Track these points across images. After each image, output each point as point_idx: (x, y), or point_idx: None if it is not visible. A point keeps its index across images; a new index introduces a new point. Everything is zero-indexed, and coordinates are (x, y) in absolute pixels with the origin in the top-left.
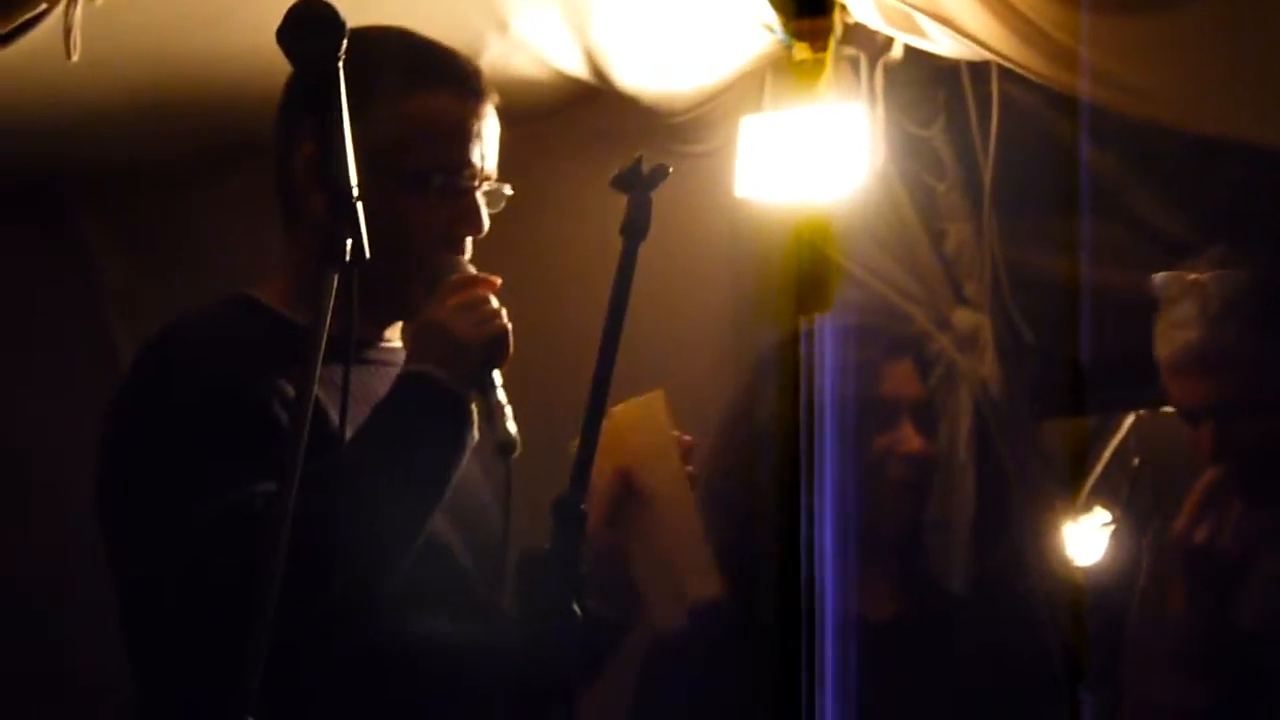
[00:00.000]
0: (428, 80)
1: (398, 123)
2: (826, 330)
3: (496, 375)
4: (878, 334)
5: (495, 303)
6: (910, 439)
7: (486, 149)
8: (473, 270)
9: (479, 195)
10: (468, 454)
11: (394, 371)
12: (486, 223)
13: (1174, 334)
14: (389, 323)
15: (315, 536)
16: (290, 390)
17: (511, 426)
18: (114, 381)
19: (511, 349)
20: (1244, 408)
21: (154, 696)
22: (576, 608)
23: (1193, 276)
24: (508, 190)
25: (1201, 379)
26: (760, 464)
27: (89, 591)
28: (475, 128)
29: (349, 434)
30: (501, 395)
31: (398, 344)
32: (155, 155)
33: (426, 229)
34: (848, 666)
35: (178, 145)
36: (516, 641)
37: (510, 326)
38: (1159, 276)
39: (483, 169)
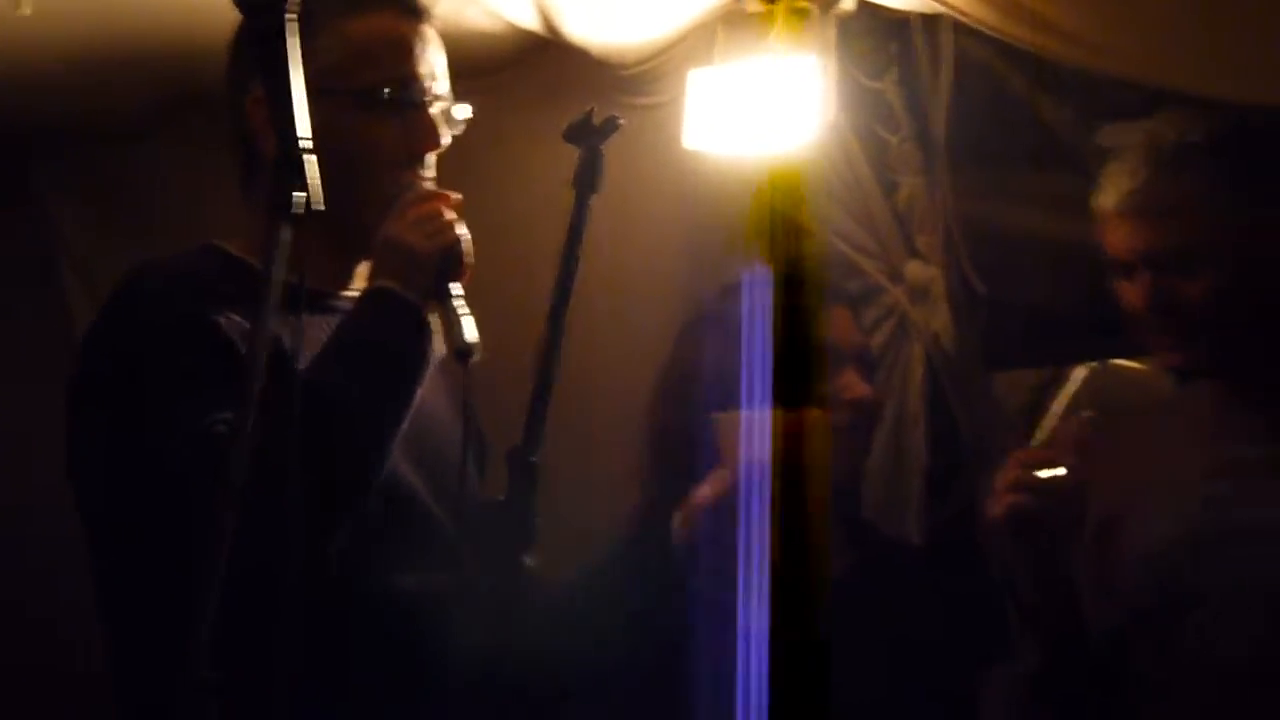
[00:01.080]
0: (368, 2)
1: (342, 45)
2: (767, 278)
3: (456, 287)
4: (807, 279)
5: (451, 215)
6: (854, 385)
7: (435, 67)
8: (431, 187)
9: (433, 111)
10: (429, 368)
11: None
12: (446, 138)
13: (1122, 179)
14: (357, 259)
15: (278, 460)
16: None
17: (470, 333)
18: (68, 342)
19: (469, 259)
20: (1187, 257)
21: (123, 648)
22: (527, 560)
23: (1145, 123)
24: (465, 111)
25: (1148, 224)
26: (702, 416)
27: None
28: (419, 44)
29: None
30: (460, 305)
31: (354, 293)
32: (107, 108)
33: (381, 148)
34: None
35: (129, 97)
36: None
37: (467, 235)
38: (1109, 127)
39: (433, 86)
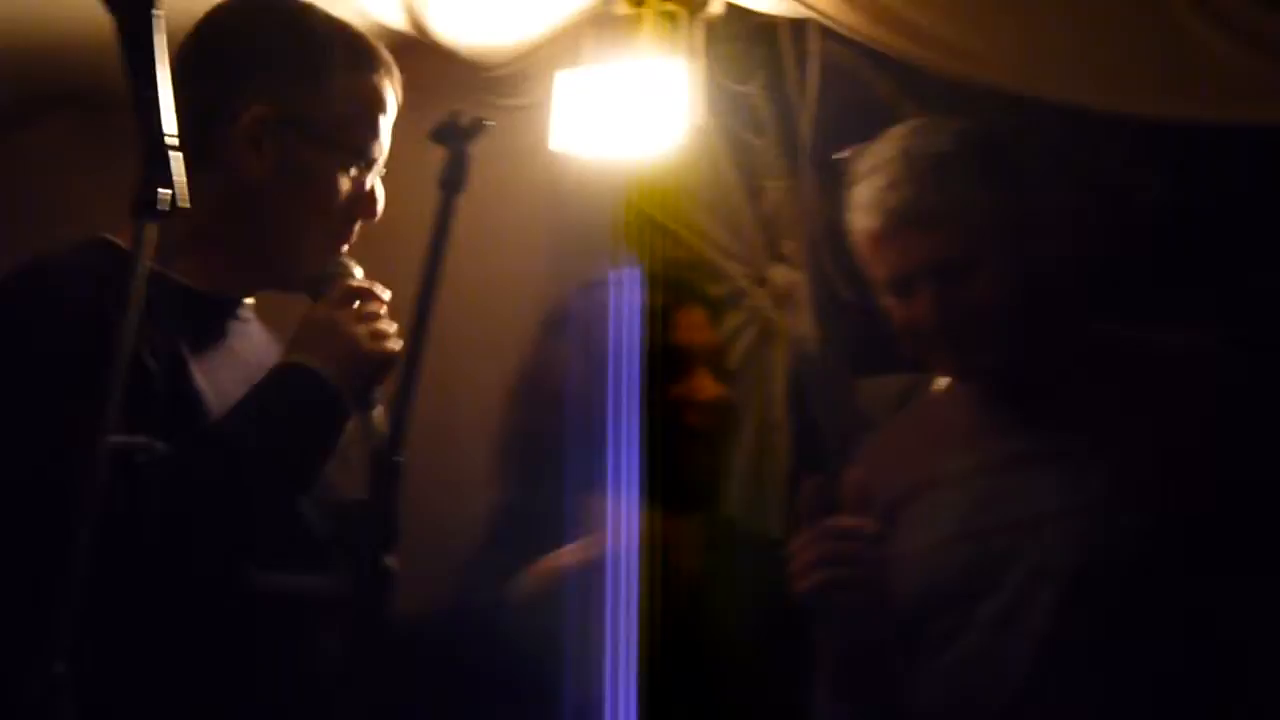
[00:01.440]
0: (370, 64)
1: (348, 99)
2: (629, 279)
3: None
4: (669, 282)
5: (390, 322)
6: (706, 386)
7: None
8: (362, 275)
9: (377, 178)
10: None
11: (253, 330)
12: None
13: (885, 196)
14: (261, 287)
15: (180, 506)
16: (157, 339)
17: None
18: None
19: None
20: (963, 263)
21: None
22: (389, 562)
23: (893, 138)
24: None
25: (921, 236)
26: (558, 417)
27: None
28: (390, 112)
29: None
30: (379, 414)
31: (250, 303)
32: None
33: (335, 202)
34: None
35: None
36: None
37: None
38: (848, 151)
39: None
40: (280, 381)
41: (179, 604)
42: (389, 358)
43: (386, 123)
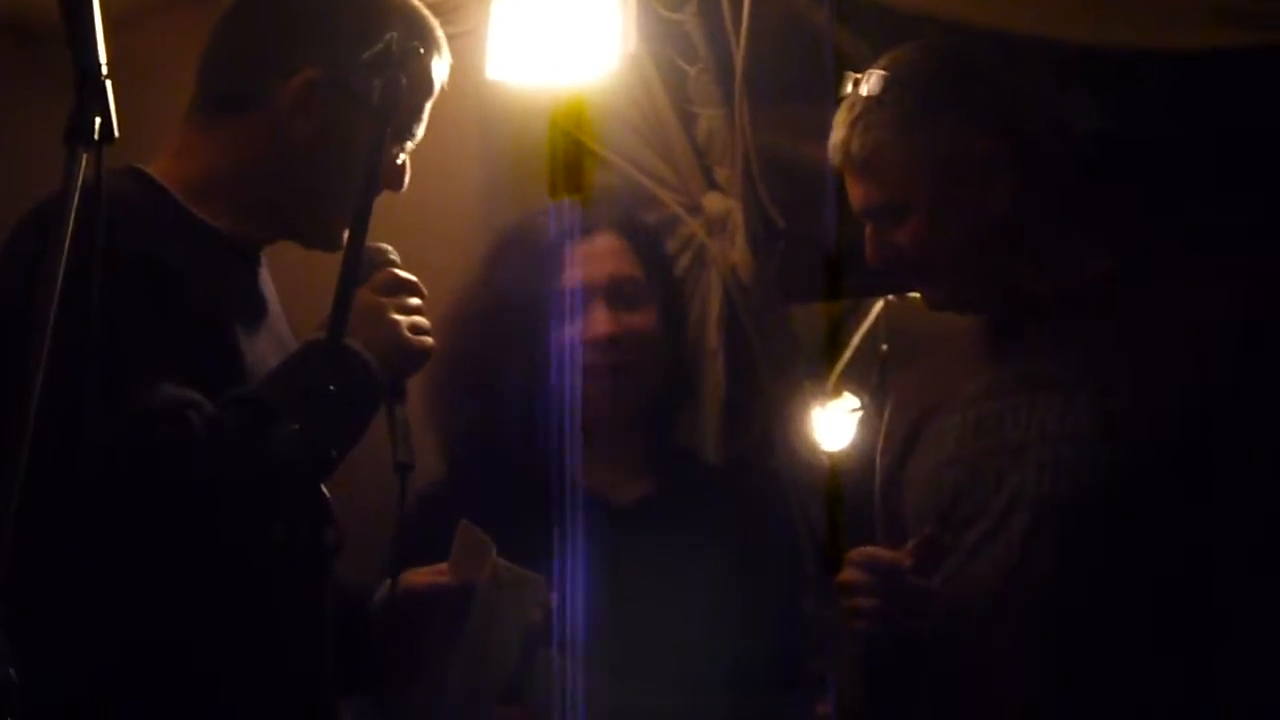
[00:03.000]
0: (433, 45)
1: (414, 83)
2: (563, 208)
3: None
4: (543, 218)
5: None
6: (597, 322)
7: None
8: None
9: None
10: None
11: (268, 279)
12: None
13: (831, 140)
14: (278, 238)
15: (226, 472)
16: (197, 283)
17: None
18: None
19: None
20: (892, 206)
21: None
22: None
23: (849, 79)
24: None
25: (855, 180)
26: (497, 344)
27: None
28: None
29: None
30: (405, 412)
31: None
32: None
33: (376, 176)
34: (594, 551)
35: None
36: None
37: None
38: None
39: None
40: (326, 361)
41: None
42: (426, 352)
43: (429, 104)
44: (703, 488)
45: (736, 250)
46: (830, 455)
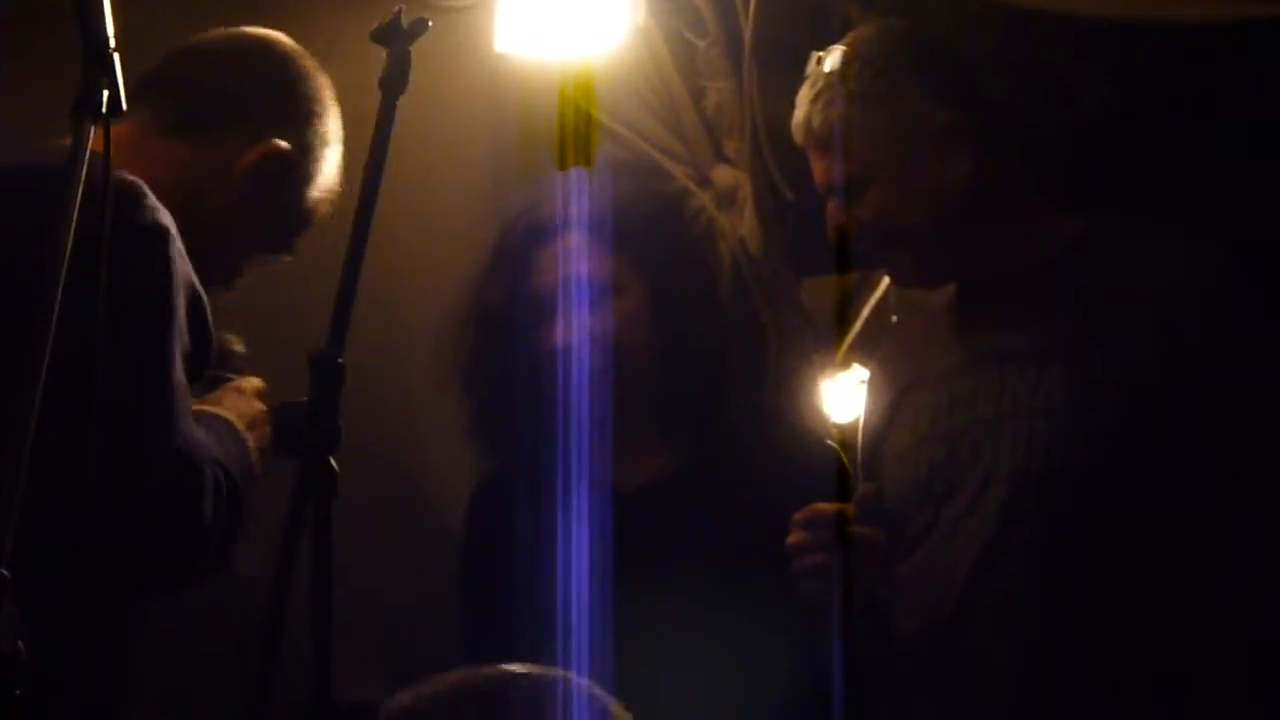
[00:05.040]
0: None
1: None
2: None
3: None
4: (520, 220)
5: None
6: (553, 334)
7: None
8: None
9: None
10: None
11: None
12: None
13: (795, 117)
14: None
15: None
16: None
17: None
18: None
19: None
20: (856, 182)
21: None
22: (331, 462)
23: (813, 58)
24: None
25: (816, 157)
26: (512, 329)
27: None
28: None
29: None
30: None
31: None
32: None
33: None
34: (601, 538)
35: None
36: None
37: None
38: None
39: None
40: (236, 434)
41: None
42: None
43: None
44: (718, 465)
45: (745, 223)
46: (839, 427)
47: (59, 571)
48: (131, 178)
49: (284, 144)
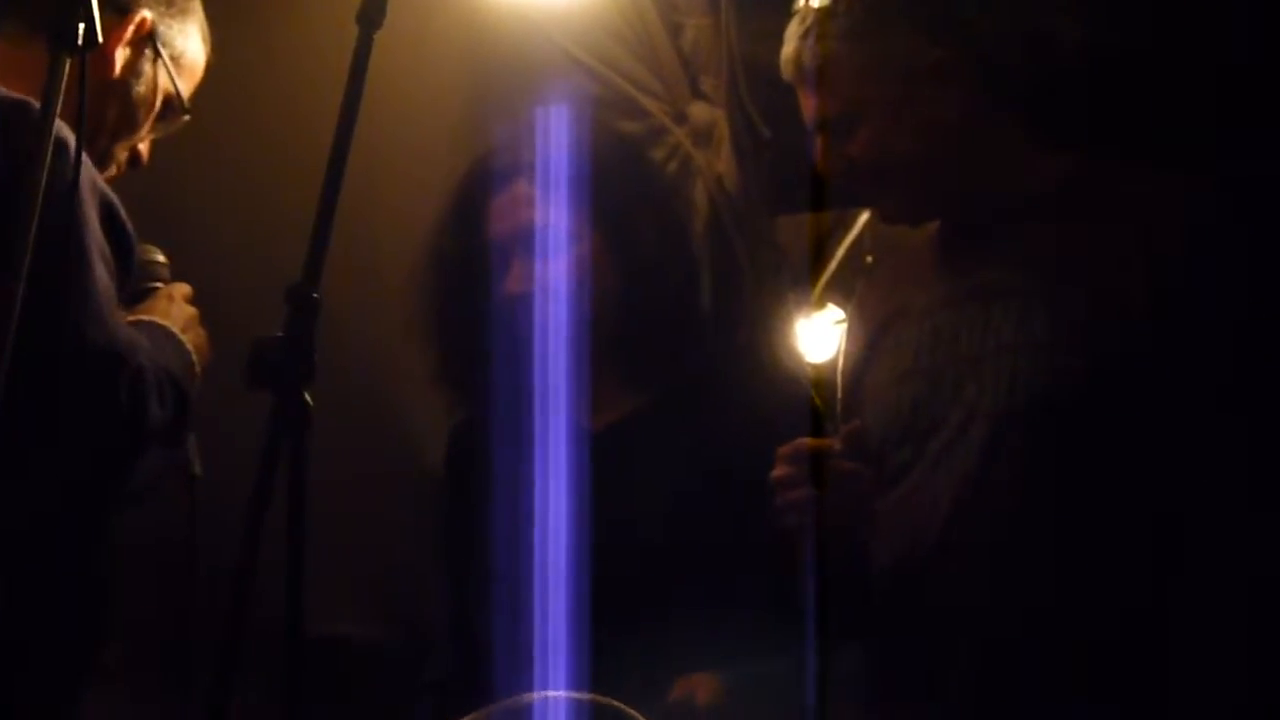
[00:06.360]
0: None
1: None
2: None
3: None
4: (478, 166)
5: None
6: (513, 280)
7: None
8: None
9: None
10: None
11: None
12: None
13: (784, 52)
14: None
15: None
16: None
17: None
18: None
19: None
20: (847, 118)
21: None
22: (308, 396)
23: None
24: None
25: (807, 92)
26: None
27: None
28: None
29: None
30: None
31: None
32: None
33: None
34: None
35: None
36: None
37: None
38: None
39: None
40: (172, 337)
41: None
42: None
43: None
44: (689, 403)
45: (722, 160)
46: (815, 365)
47: (19, 495)
48: (16, 97)
49: (147, 14)
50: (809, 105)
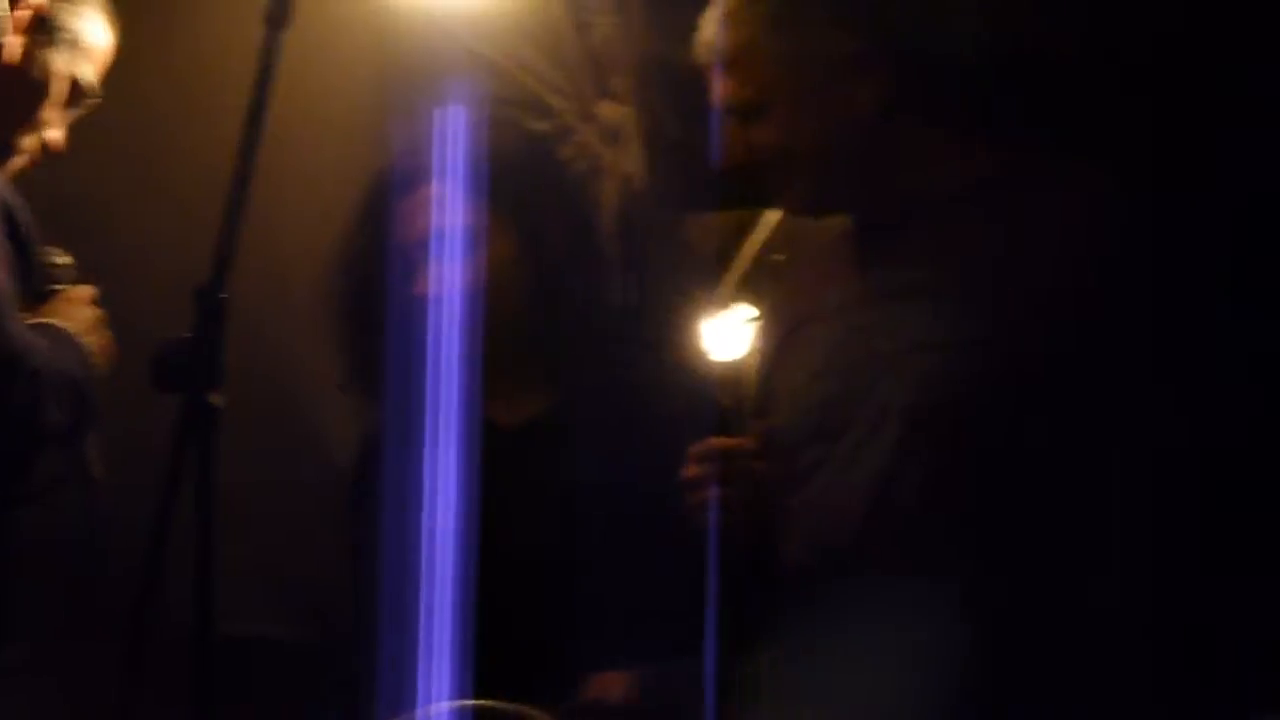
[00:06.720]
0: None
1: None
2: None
3: None
4: (390, 166)
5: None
6: (423, 282)
7: None
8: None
9: None
10: None
11: None
12: None
13: (699, 34)
14: None
15: None
16: None
17: None
18: None
19: None
20: (758, 105)
21: None
22: (216, 398)
23: None
24: None
25: (722, 76)
26: (384, 278)
27: None
28: None
29: None
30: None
31: None
32: None
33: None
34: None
35: None
36: None
37: None
38: None
39: None
40: (73, 341)
41: None
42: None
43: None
44: (599, 403)
45: (630, 159)
46: (723, 365)
47: None
48: None
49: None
50: (720, 89)
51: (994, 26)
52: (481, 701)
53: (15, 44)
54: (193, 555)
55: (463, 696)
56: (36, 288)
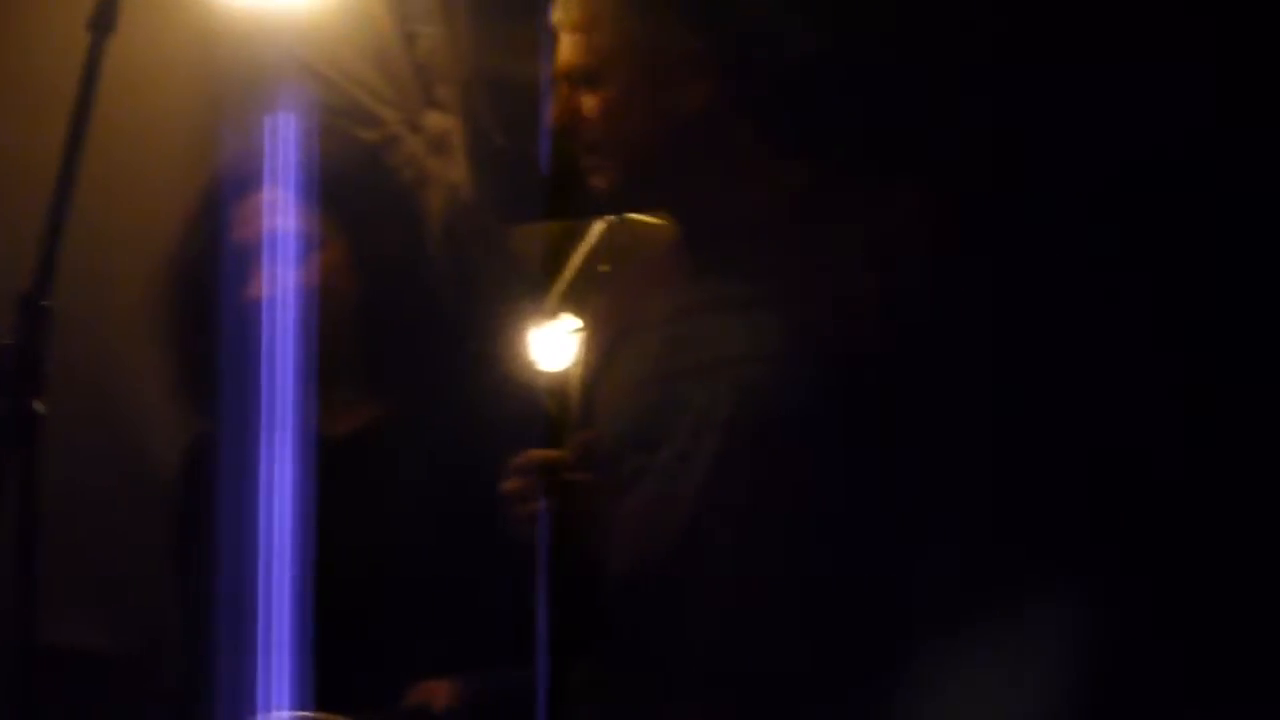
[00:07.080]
0: None
1: None
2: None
3: None
4: (221, 172)
5: None
6: (254, 287)
7: None
8: None
9: None
10: None
11: None
12: None
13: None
14: None
15: None
16: None
17: None
18: None
19: None
20: (593, 75)
21: None
22: (38, 406)
23: None
24: None
25: (567, 41)
26: (215, 284)
27: None
28: None
29: None
30: None
31: None
32: None
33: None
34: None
35: None
36: None
37: None
38: None
39: None
40: None
41: None
42: None
43: None
44: (426, 413)
45: (456, 169)
46: (549, 375)
47: None
48: None
49: None
50: (562, 52)
51: (828, 38)
52: (298, 713)
53: None
54: (13, 564)
55: (302, 706)
56: None
